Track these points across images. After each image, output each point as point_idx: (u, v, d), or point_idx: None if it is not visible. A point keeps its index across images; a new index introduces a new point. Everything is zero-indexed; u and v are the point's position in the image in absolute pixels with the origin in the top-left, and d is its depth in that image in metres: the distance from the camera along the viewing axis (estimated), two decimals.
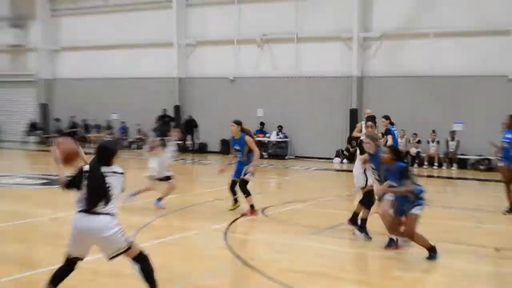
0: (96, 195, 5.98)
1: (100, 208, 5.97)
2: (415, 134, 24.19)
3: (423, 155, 24.51)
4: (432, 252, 8.73)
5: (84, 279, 7.14)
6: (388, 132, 14.59)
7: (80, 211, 6.03)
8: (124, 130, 31.35)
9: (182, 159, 25.61)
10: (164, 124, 29.14)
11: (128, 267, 7.56)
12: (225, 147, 28.49)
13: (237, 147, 12.41)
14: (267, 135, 27.57)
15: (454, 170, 23.39)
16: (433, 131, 24.18)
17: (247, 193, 12.28)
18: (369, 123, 11.20)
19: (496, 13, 23.39)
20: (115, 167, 6.20)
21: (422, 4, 24.75)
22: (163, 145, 13.15)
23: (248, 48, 28.28)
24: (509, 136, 13.03)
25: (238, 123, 12.50)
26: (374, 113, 14.20)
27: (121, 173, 6.18)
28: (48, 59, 33.86)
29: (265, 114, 27.89)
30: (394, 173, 8.74)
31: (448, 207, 14.33)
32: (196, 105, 29.72)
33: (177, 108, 29.77)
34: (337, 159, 25.79)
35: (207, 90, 29.33)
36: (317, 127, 26.47)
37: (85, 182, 6.04)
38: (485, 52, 23.57)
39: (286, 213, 12.60)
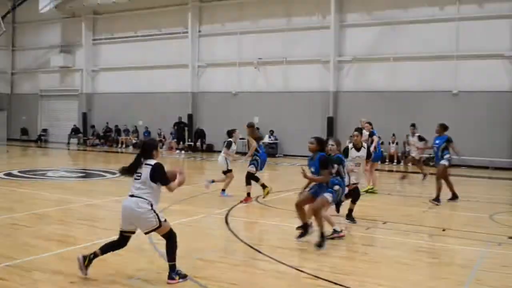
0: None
1: (134, 192, 6.05)
2: (379, 137, 23.97)
3: (385, 153, 24.38)
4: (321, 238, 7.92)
5: (114, 254, 6.94)
6: (372, 134, 15.01)
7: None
8: (147, 133, 31.10)
9: (193, 157, 25.43)
10: (179, 129, 28.97)
11: (147, 244, 7.41)
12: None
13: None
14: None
15: (410, 166, 23.16)
16: (393, 135, 24.07)
17: (248, 183, 12.16)
18: (356, 132, 11.10)
19: (441, 42, 23.32)
20: (150, 160, 6.14)
21: (384, 35, 24.62)
22: (229, 145, 13.18)
23: (247, 69, 28.10)
24: (437, 141, 12.87)
25: (247, 125, 12.74)
26: (367, 120, 14.71)
27: (151, 165, 6.07)
28: (89, 77, 33.64)
29: (260, 120, 27.69)
30: (315, 162, 8.15)
31: (405, 195, 14.18)
32: (205, 113, 29.55)
33: (190, 116, 29.57)
34: None
35: (214, 102, 29.14)
36: (301, 131, 26.19)
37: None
38: (433, 72, 23.46)
39: (275, 201, 12.40)
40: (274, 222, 9.83)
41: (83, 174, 17.78)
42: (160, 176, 6.08)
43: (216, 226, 9.49)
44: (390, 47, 24.34)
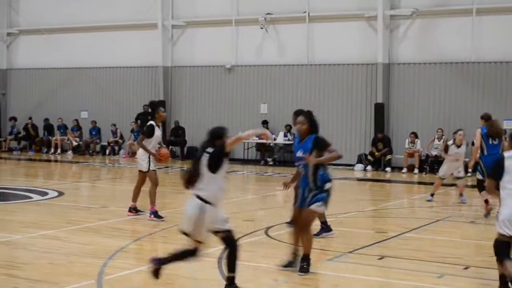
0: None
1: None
2: (460, 130, 23.91)
3: (466, 159, 24.22)
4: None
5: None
6: None
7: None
8: (95, 131, 31.10)
9: (167, 167, 25.41)
10: (145, 124, 28.82)
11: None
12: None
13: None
14: (273, 136, 27.36)
15: None
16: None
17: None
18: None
19: None
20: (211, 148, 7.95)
21: None
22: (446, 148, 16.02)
23: (248, 30, 28.09)
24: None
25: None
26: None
27: (208, 153, 7.90)
28: (3, 44, 33.65)
29: (269, 110, 27.66)
30: None
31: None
32: (184, 100, 29.52)
33: (162, 104, 29.35)
34: (359, 166, 25.56)
35: (198, 81, 29.13)
36: (334, 126, 26.17)
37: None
38: None
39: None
40: (290, 267, 9.77)
41: None
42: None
43: (203, 276, 9.44)
44: None
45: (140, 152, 13.70)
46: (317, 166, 8.92)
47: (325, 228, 12.20)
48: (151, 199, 13.49)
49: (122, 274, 9.08)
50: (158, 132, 13.92)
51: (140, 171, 13.73)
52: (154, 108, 14.50)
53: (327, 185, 8.98)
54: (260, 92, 27.84)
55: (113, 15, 30.46)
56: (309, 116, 9.20)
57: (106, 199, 17.20)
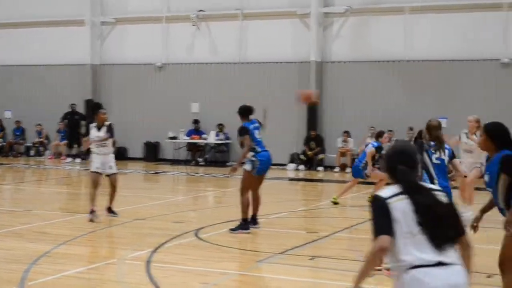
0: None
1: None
2: (391, 131, 24.26)
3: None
4: None
5: None
6: None
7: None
8: (19, 132, 30.67)
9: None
10: (72, 124, 28.59)
11: None
12: (150, 153, 28.14)
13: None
14: (204, 136, 27.36)
15: None
16: (411, 129, 24.24)
17: None
18: None
19: None
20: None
21: None
22: None
23: (180, 27, 28.08)
24: None
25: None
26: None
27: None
28: None
29: (201, 109, 27.64)
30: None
31: None
32: (113, 99, 29.24)
33: (89, 103, 29.19)
34: (292, 165, 25.73)
35: (127, 80, 28.96)
36: (268, 126, 26.25)
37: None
38: (471, 30, 23.87)
39: (226, 236, 12.42)
40: (223, 269, 9.82)
41: None
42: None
43: (131, 279, 9.44)
44: None
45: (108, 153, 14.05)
46: (510, 189, 6.89)
47: (244, 225, 12.49)
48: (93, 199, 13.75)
49: (45, 280, 9.00)
50: (96, 133, 14.03)
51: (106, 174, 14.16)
52: (94, 110, 14.60)
53: None
54: (192, 90, 27.79)
55: (39, 10, 30.05)
56: (490, 125, 7.20)
57: (30, 202, 17.00)
